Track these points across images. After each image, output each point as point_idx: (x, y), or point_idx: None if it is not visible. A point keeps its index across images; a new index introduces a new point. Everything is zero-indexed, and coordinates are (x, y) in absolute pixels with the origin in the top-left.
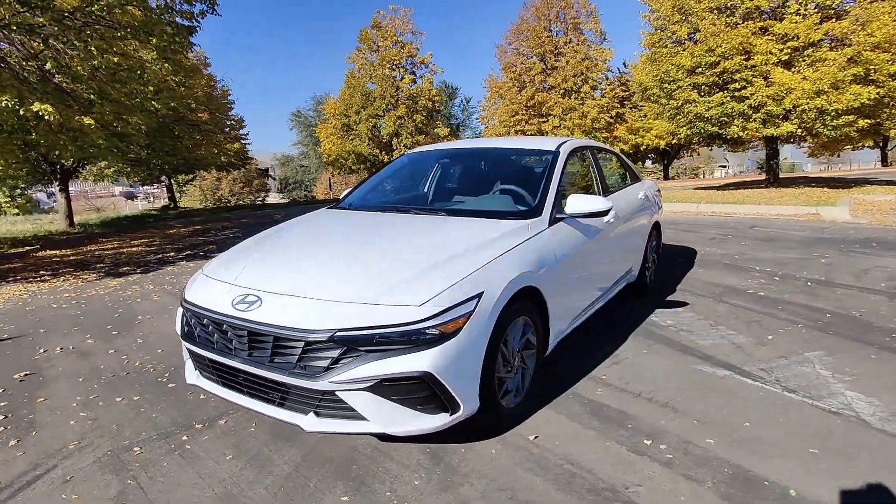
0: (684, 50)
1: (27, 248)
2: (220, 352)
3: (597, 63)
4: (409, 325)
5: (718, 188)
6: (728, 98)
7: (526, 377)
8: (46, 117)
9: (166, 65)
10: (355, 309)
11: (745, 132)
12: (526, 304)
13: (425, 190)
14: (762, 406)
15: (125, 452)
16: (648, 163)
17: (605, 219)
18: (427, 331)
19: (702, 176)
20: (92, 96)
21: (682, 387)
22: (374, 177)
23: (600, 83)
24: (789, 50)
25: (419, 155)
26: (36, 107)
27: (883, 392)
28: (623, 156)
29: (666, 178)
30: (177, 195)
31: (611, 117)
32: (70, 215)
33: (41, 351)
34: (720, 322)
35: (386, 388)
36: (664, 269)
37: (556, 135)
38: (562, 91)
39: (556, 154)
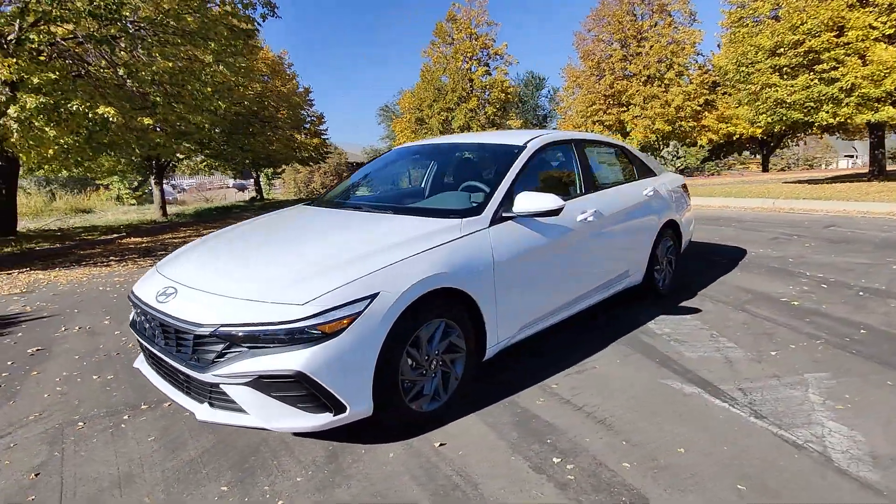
0: (765, 28)
1: (115, 235)
2: (148, 340)
3: (684, 47)
4: (290, 323)
5: (816, 182)
6: (815, 81)
7: (449, 381)
8: (110, 119)
9: (221, 67)
10: (244, 305)
11: (837, 118)
12: (447, 305)
13: (395, 186)
14: (716, 431)
15: (70, 426)
16: (746, 153)
17: (580, 217)
18: (309, 330)
19: (822, 167)
20: (157, 98)
21: (636, 403)
22: (358, 172)
23: (687, 68)
24: (894, 22)
25: (402, 150)
26: (101, 109)
27: (875, 426)
28: (631, 149)
29: (765, 170)
30: (265, 187)
31: (699, 105)
32: (163, 206)
33: (62, 329)
34: (725, 333)
35: (265, 384)
36: (696, 270)
37: (635, 125)
38: (643, 78)
39: (520, 149)
